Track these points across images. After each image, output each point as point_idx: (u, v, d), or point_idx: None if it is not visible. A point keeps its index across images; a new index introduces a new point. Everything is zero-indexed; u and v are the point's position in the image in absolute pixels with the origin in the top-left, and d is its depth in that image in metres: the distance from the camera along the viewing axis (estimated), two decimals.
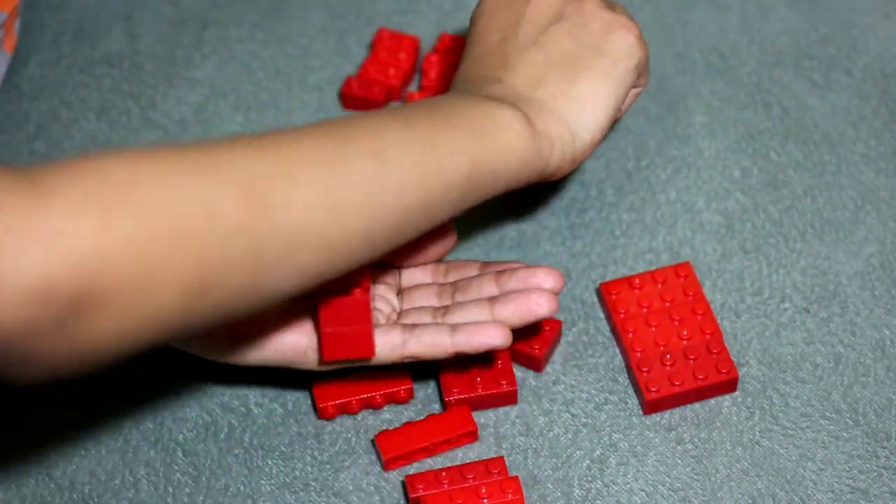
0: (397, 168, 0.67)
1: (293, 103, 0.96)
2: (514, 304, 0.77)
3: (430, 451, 0.80)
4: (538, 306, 0.76)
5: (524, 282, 0.78)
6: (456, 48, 0.96)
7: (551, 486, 0.79)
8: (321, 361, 0.76)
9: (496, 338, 0.76)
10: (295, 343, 0.76)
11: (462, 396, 0.81)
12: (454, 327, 0.76)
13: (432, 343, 0.76)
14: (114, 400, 0.83)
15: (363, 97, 0.94)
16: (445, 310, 0.79)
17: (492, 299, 0.78)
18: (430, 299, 0.80)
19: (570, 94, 0.76)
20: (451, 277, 0.82)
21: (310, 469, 0.80)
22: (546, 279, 0.78)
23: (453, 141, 0.70)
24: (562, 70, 0.77)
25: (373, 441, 0.80)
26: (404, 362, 0.77)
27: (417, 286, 0.81)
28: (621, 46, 0.78)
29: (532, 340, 0.82)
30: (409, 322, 0.78)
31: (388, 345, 0.76)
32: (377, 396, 0.81)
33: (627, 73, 0.78)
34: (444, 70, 0.95)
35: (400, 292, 0.81)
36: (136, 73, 0.97)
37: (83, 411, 0.82)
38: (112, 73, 0.98)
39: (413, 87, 0.97)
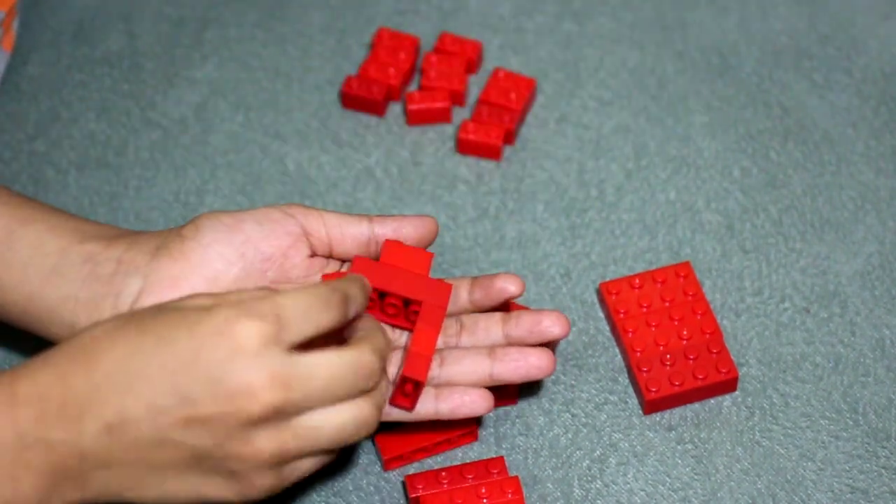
0: None
1: (293, 103, 0.96)
2: (514, 366, 0.76)
3: (430, 451, 0.80)
4: (538, 370, 0.76)
5: (529, 330, 0.77)
6: (456, 48, 0.96)
7: (551, 486, 0.79)
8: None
9: (479, 409, 0.75)
10: None
11: None
12: (438, 392, 0.75)
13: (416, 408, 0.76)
14: None
15: (363, 97, 0.94)
16: (442, 358, 0.77)
17: (492, 353, 0.76)
18: None
19: None
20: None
21: None
22: (552, 326, 0.77)
23: None
24: None
25: (373, 441, 0.80)
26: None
27: None
28: None
29: None
30: None
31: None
32: None
33: None
34: (444, 70, 0.95)
35: None
36: (136, 73, 0.98)
37: None
38: (112, 73, 0.98)
39: (413, 87, 0.97)
